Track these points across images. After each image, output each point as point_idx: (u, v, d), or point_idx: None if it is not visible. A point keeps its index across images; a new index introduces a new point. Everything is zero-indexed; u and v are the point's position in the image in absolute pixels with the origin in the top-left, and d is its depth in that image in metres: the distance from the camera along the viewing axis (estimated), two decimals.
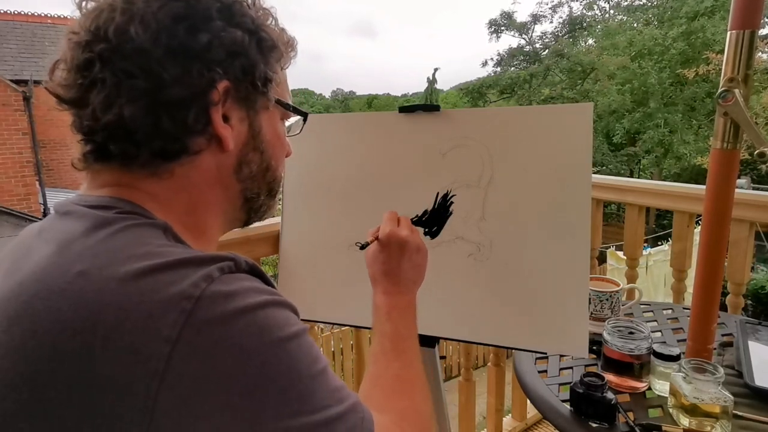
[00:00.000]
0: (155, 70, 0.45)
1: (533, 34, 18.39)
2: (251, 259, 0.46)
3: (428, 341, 1.00)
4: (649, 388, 0.91)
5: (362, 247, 0.77)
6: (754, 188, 6.81)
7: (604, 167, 14.27)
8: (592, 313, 1.08)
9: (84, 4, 0.47)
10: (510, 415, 2.05)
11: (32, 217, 6.56)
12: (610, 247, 6.00)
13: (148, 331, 0.35)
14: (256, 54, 0.50)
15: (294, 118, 0.63)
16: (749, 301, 6.46)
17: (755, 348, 1.00)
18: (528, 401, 1.49)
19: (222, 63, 0.47)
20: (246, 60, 0.49)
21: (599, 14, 17.43)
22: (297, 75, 0.61)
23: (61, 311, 0.37)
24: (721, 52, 0.86)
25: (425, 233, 0.99)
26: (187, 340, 0.36)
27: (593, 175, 0.99)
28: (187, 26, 0.46)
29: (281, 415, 0.38)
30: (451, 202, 0.97)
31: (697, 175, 12.45)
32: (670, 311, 1.27)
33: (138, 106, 0.45)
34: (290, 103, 0.59)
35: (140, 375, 0.34)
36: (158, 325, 0.35)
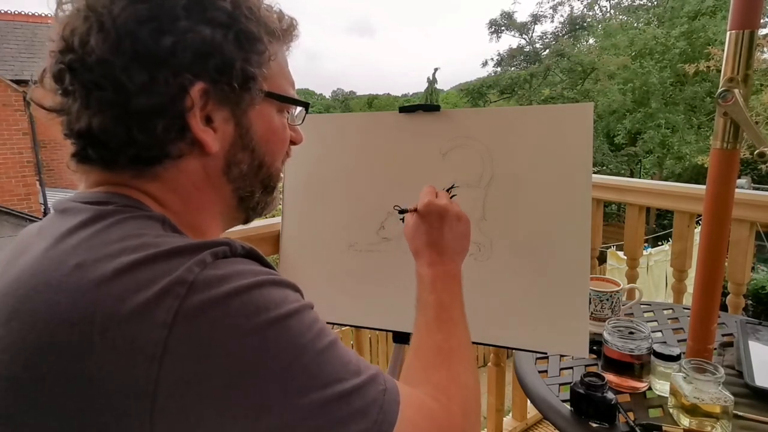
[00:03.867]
0: (120, 80, 0.43)
1: (533, 34, 18.42)
2: (249, 245, 0.45)
3: None
4: (650, 388, 0.91)
5: (401, 212, 0.76)
6: (754, 188, 6.80)
7: (605, 167, 14.26)
8: (592, 313, 1.08)
9: (59, 8, 0.46)
10: (510, 415, 2.05)
11: (32, 217, 6.57)
12: (610, 247, 6.00)
13: (145, 318, 0.35)
14: (234, 50, 0.47)
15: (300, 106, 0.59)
16: (750, 301, 6.46)
17: (755, 348, 1.00)
18: (528, 401, 1.49)
19: (191, 66, 0.45)
20: (220, 59, 0.46)
21: (600, 14, 17.44)
22: (296, 75, 0.59)
23: (59, 304, 0.37)
24: (722, 51, 0.86)
25: None
26: (182, 324, 0.36)
27: (593, 175, 0.99)
28: (151, 29, 0.43)
29: (288, 393, 0.38)
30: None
31: (698, 175, 12.45)
32: (670, 311, 1.27)
33: (106, 117, 0.44)
34: (289, 91, 0.56)
35: (139, 361, 0.34)
36: (154, 311, 0.36)
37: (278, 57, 0.54)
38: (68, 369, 0.35)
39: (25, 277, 0.40)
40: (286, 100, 0.55)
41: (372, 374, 0.44)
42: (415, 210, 0.74)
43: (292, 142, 0.60)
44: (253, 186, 0.55)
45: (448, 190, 0.92)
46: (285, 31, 0.54)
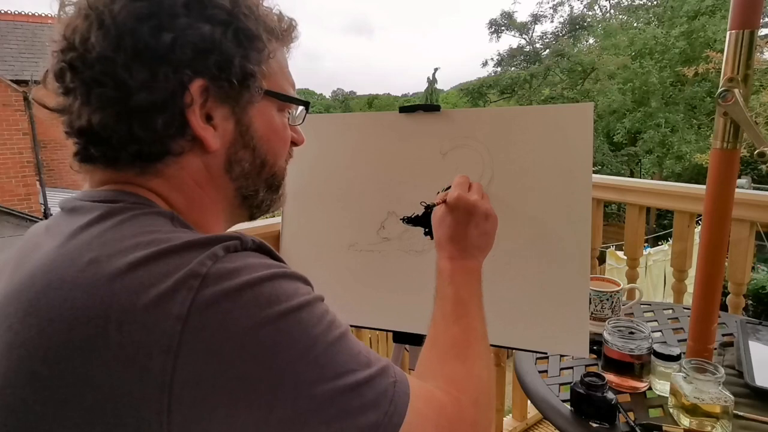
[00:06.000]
0: (121, 76, 0.44)
1: (533, 34, 18.43)
2: (259, 239, 0.45)
3: None
4: (650, 388, 0.91)
5: (428, 207, 0.74)
6: (754, 188, 6.81)
7: (605, 167, 14.26)
8: (592, 313, 1.08)
9: (61, 10, 0.47)
10: (510, 415, 2.05)
11: (33, 217, 6.57)
12: (609, 247, 6.00)
13: (159, 311, 0.36)
14: (233, 47, 0.47)
15: (301, 106, 0.60)
16: (750, 301, 6.47)
17: (756, 348, 1.00)
18: (528, 401, 1.49)
19: (191, 63, 0.45)
20: (220, 56, 0.46)
21: (600, 14, 17.44)
22: (296, 75, 0.59)
23: (75, 299, 0.37)
24: (722, 51, 0.86)
25: (425, 233, 0.99)
26: (196, 316, 0.36)
27: (594, 175, 0.99)
28: (151, 26, 0.44)
29: (300, 384, 0.38)
30: None
31: (698, 175, 12.45)
32: (670, 311, 1.27)
33: (107, 113, 0.45)
34: (289, 91, 0.56)
35: (155, 354, 0.35)
36: (168, 304, 0.36)
37: (277, 56, 0.54)
38: (86, 363, 0.35)
39: (39, 274, 0.40)
40: (285, 99, 0.55)
41: (382, 366, 0.44)
42: (444, 202, 0.73)
43: (294, 143, 0.60)
44: (257, 185, 0.55)
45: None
46: (285, 31, 0.54)
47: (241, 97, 0.50)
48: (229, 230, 0.57)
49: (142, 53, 0.44)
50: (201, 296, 0.37)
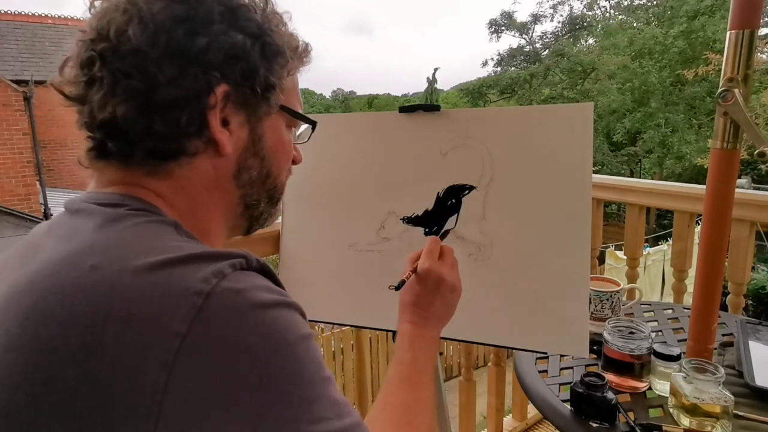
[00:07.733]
0: (150, 71, 0.45)
1: (533, 33, 18.44)
2: (262, 259, 0.45)
3: None
4: (650, 388, 0.91)
5: (398, 287, 0.73)
6: (754, 188, 6.81)
7: (605, 167, 14.26)
8: (592, 313, 1.08)
9: (94, 3, 0.48)
10: (510, 415, 2.05)
11: (33, 217, 6.56)
12: (609, 246, 6.00)
13: (159, 325, 0.36)
14: (259, 59, 0.50)
15: (304, 126, 0.62)
16: (750, 301, 6.46)
17: (756, 348, 1.00)
18: (528, 401, 1.49)
19: (220, 67, 0.47)
20: (246, 64, 0.49)
21: (600, 14, 17.45)
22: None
23: (74, 306, 0.37)
24: (721, 51, 0.86)
25: (426, 233, 0.99)
26: (196, 335, 0.36)
27: (593, 175, 0.99)
28: (186, 29, 0.46)
29: (282, 419, 0.38)
30: (452, 201, 0.97)
31: (698, 175, 12.45)
32: (670, 311, 1.27)
33: (131, 106, 0.45)
34: (299, 110, 0.59)
35: (150, 368, 0.35)
36: (168, 319, 0.36)
37: (294, 75, 0.57)
38: (80, 370, 0.35)
39: (40, 277, 0.40)
40: (298, 116, 0.58)
41: (353, 422, 0.44)
42: (414, 271, 0.74)
43: (293, 161, 0.62)
44: (260, 194, 0.56)
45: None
46: (303, 52, 0.57)
47: (259, 107, 0.52)
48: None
49: (175, 52, 0.45)
50: (203, 315, 0.36)
